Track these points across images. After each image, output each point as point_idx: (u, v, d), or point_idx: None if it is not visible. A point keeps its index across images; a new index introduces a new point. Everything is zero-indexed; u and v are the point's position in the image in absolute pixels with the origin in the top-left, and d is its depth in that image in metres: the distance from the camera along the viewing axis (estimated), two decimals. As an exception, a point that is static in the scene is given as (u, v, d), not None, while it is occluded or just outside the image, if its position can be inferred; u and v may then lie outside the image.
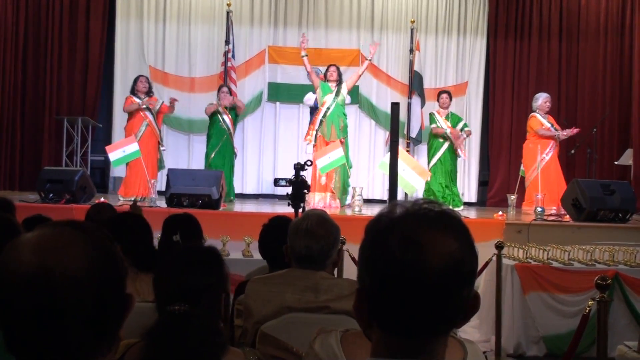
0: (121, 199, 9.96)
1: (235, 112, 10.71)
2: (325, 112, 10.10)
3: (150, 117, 10.27)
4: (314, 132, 10.14)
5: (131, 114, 10.28)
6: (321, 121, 10.08)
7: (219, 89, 10.68)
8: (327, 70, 10.43)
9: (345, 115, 10.24)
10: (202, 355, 1.94)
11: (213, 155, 10.39)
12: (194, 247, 2.50)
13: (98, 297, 1.21)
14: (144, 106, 10.18)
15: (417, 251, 1.24)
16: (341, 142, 10.00)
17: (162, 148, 10.55)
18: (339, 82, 10.27)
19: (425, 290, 1.23)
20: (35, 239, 1.22)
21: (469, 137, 11.02)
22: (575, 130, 10.41)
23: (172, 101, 10.46)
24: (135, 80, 10.44)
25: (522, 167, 10.69)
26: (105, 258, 1.25)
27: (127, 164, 10.05)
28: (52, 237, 1.23)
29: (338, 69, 10.40)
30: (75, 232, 1.24)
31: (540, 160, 10.16)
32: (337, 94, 10.17)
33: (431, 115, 10.64)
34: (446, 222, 1.29)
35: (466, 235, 1.30)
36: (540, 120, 10.35)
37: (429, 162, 10.44)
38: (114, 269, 1.26)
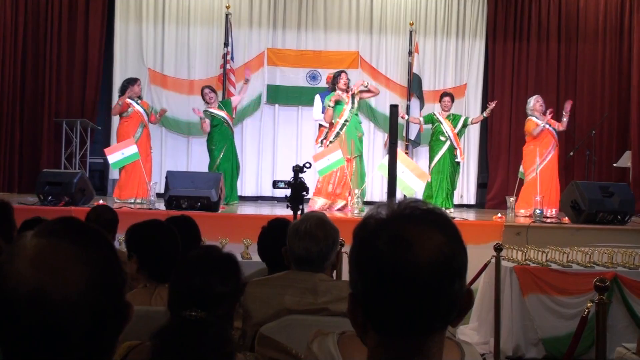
0: (117, 201, 9.95)
1: (230, 106, 10.66)
2: (343, 124, 9.92)
3: (146, 119, 10.31)
4: (328, 141, 9.96)
5: (127, 116, 10.29)
6: (338, 133, 9.95)
7: (202, 93, 10.52)
8: (338, 77, 10.08)
9: (360, 123, 10.22)
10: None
11: (219, 160, 10.34)
12: (214, 254, 2.44)
13: (96, 314, 1.19)
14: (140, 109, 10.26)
15: (406, 248, 1.25)
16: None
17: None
18: (348, 89, 10.08)
19: (417, 286, 1.24)
20: (32, 253, 1.19)
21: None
22: (568, 107, 10.48)
23: (162, 112, 10.55)
24: (132, 82, 10.39)
25: (521, 170, 10.69)
26: (104, 273, 1.22)
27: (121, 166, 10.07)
28: (50, 253, 1.19)
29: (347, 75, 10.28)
30: (73, 248, 1.21)
31: (540, 162, 10.17)
32: (352, 103, 9.98)
33: (431, 116, 10.58)
34: (432, 219, 1.30)
35: (453, 230, 1.31)
36: (535, 122, 10.36)
37: (430, 164, 10.44)
38: (112, 282, 1.24)
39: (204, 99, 10.44)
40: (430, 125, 10.74)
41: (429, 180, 10.07)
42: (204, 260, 2.37)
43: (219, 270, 2.32)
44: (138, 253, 3.18)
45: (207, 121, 10.33)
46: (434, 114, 10.55)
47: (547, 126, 10.29)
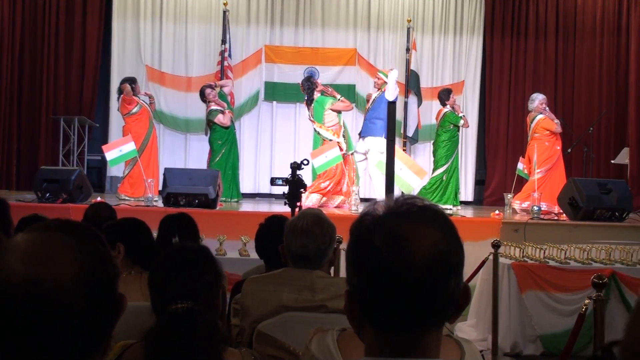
0: (127, 198, 9.92)
1: (227, 99, 10.68)
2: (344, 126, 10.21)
3: (153, 117, 10.38)
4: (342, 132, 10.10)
5: (136, 113, 10.29)
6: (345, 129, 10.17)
7: (204, 93, 10.56)
8: (317, 86, 10.25)
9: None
10: (206, 351, 1.94)
11: (221, 155, 10.38)
12: (186, 247, 2.50)
13: (89, 303, 1.19)
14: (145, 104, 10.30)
15: (402, 245, 1.25)
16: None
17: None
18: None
19: (413, 283, 1.24)
20: (24, 246, 1.20)
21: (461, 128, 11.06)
22: None
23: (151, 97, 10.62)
24: (134, 82, 10.38)
25: (519, 167, 10.64)
26: (96, 262, 1.23)
27: (134, 163, 10.04)
28: (41, 244, 1.20)
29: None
30: (64, 238, 1.22)
31: (558, 157, 10.22)
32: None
33: (452, 114, 10.31)
34: (429, 216, 1.31)
35: (450, 226, 1.32)
36: (552, 119, 10.38)
37: (445, 162, 10.31)
38: (104, 272, 1.24)
39: (207, 98, 10.43)
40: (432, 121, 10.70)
41: (421, 179, 9.95)
42: (177, 255, 2.40)
43: (194, 261, 2.35)
44: (123, 242, 3.40)
45: (227, 113, 10.39)
46: (456, 114, 10.38)
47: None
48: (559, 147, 10.40)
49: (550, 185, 10.06)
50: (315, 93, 10.08)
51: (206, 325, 1.99)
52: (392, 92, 10.09)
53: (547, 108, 10.52)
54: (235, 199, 10.50)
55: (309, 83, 10.19)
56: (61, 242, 1.21)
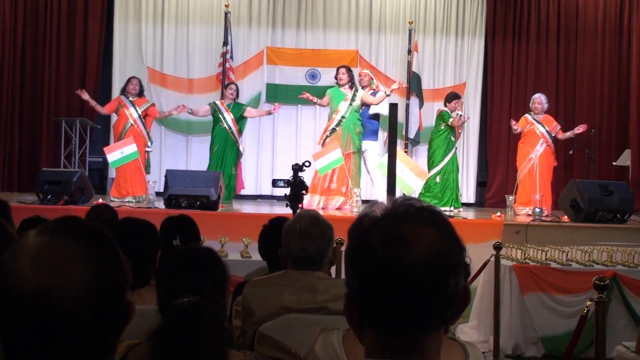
0: (115, 199, 9.94)
1: (241, 112, 10.63)
2: (340, 120, 9.97)
3: (135, 116, 10.24)
4: (325, 137, 10.05)
5: (118, 113, 10.38)
6: (334, 129, 9.99)
7: (227, 86, 10.68)
8: (337, 72, 10.24)
9: (360, 120, 10.14)
10: (211, 348, 1.94)
11: (213, 156, 10.40)
12: (193, 248, 2.51)
13: (97, 312, 1.20)
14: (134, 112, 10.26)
15: (400, 245, 1.25)
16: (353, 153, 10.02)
17: (147, 149, 10.52)
18: (352, 85, 10.14)
19: (412, 283, 1.24)
20: (34, 252, 1.19)
21: (464, 130, 11.02)
22: (581, 129, 10.38)
23: (165, 115, 10.76)
24: (127, 82, 10.46)
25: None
26: (106, 272, 1.22)
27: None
28: (51, 252, 1.19)
29: (349, 70, 10.28)
30: (75, 246, 1.21)
31: (528, 160, 10.17)
32: (353, 100, 10.01)
33: (446, 113, 10.29)
34: (426, 216, 1.31)
35: (448, 227, 1.32)
36: (527, 121, 10.31)
37: (438, 163, 10.23)
38: (114, 281, 1.24)
39: (224, 93, 10.58)
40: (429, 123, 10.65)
41: (422, 180, 9.92)
42: (184, 255, 2.43)
43: (201, 260, 2.38)
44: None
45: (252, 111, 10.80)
46: (448, 112, 10.35)
47: (537, 125, 10.25)
48: (528, 151, 10.22)
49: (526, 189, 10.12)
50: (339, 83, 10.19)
51: (212, 321, 1.99)
52: (382, 107, 10.15)
53: (531, 108, 10.41)
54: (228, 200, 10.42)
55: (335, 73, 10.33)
56: (71, 250, 1.21)
